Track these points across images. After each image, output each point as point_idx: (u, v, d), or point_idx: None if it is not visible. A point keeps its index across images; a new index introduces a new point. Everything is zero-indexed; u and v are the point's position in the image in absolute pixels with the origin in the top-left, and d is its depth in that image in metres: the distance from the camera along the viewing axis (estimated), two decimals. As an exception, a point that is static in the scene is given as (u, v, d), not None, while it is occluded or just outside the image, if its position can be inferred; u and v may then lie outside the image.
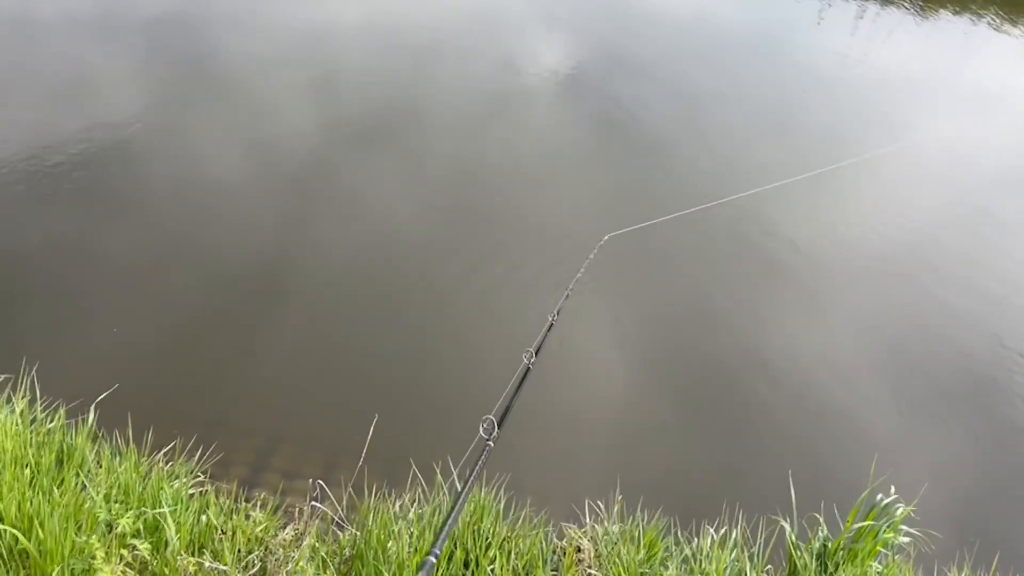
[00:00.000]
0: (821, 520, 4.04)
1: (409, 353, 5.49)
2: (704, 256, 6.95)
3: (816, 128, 10.03)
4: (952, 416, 5.84)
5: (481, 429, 2.61)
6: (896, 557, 3.91)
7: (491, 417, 2.63)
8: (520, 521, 3.82)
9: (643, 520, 4.03)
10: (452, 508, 2.36)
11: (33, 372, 4.02)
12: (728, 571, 3.76)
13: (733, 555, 3.86)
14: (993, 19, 16.02)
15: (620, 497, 4.16)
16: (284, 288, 5.85)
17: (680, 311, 6.32)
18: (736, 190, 7.33)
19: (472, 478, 2.49)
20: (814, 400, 5.70)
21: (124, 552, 3.16)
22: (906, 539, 3.86)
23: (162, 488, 3.50)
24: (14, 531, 2.99)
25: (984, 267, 7.61)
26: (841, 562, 3.81)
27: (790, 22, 14.24)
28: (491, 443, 2.56)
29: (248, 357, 5.24)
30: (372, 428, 4.04)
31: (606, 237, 4.99)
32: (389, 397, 5.02)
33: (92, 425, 3.86)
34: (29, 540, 2.99)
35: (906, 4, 15.99)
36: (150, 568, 3.18)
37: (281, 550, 3.51)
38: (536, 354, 3.18)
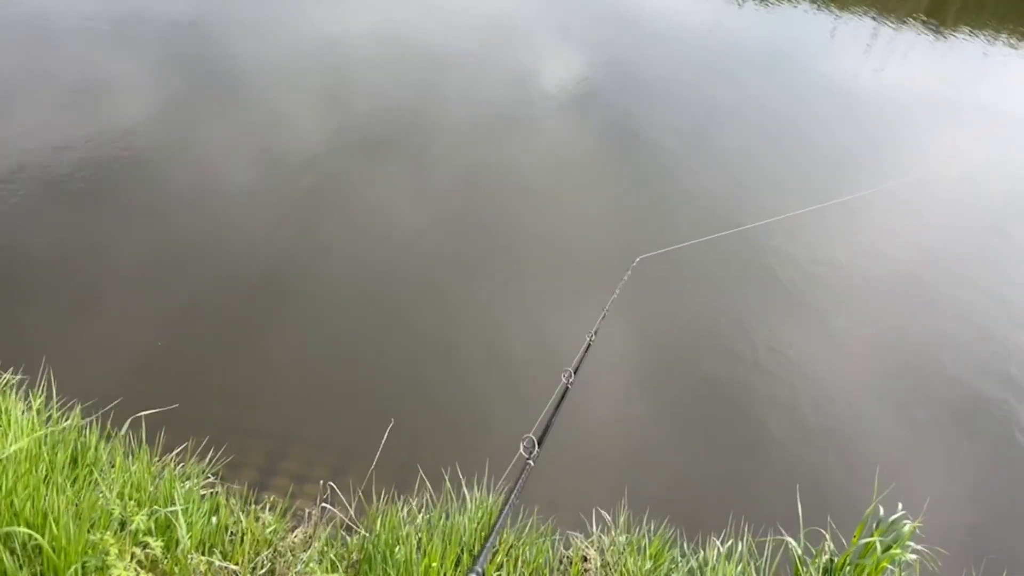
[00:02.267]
0: (827, 536, 4.05)
1: (422, 361, 5.53)
2: (718, 279, 6.96)
3: (831, 151, 10.04)
4: (959, 435, 5.83)
5: (521, 448, 2.58)
6: (903, 574, 3.90)
7: (531, 436, 2.61)
8: (527, 529, 3.84)
9: (649, 531, 4.05)
10: (493, 525, 2.32)
11: (49, 371, 4.08)
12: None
13: (739, 568, 3.87)
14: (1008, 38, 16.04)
15: (627, 508, 4.18)
16: (298, 294, 5.91)
17: (690, 328, 6.34)
18: (756, 212, 7.40)
19: (513, 497, 2.47)
20: (823, 418, 5.70)
21: (136, 550, 3.20)
22: (912, 556, 3.86)
23: (174, 488, 3.53)
24: (27, 530, 3.03)
25: (994, 291, 7.60)
26: (848, 577, 3.81)
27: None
28: (531, 462, 2.54)
29: (261, 361, 5.29)
30: (387, 432, 4.09)
31: (638, 259, 4.95)
32: (400, 403, 5.06)
33: (107, 425, 3.91)
34: (43, 537, 3.03)
35: (921, 21, 16.01)
36: (161, 566, 3.21)
37: (290, 552, 3.54)
38: (575, 373, 3.15)
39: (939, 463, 5.59)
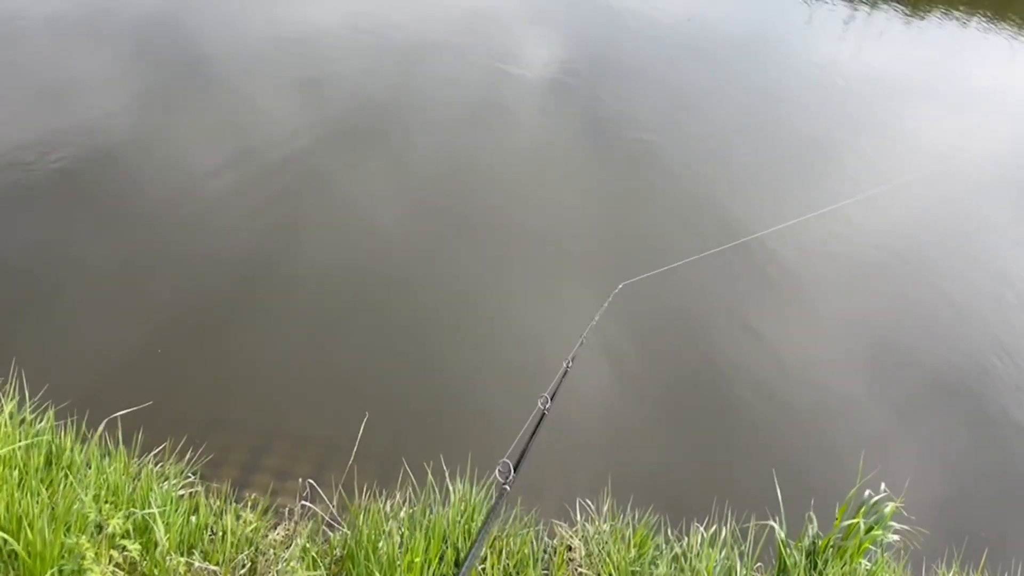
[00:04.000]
0: (812, 517, 4.06)
1: (404, 354, 5.50)
2: (704, 271, 6.95)
3: (817, 138, 10.06)
4: (940, 414, 5.89)
5: (497, 472, 2.57)
6: (885, 554, 3.93)
7: (507, 461, 2.59)
8: (511, 520, 3.83)
9: (634, 519, 4.05)
10: (471, 546, 2.31)
11: (21, 373, 4.01)
12: (718, 569, 3.78)
13: (723, 553, 3.88)
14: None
15: (610, 495, 4.17)
16: (275, 290, 5.85)
17: (674, 317, 6.34)
18: (748, 209, 7.42)
19: (490, 521, 2.47)
20: (803, 400, 5.73)
21: (114, 553, 3.15)
22: (895, 536, 3.89)
23: (152, 489, 3.49)
24: (2, 534, 2.98)
25: (969, 274, 7.67)
26: (830, 559, 3.82)
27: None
28: (507, 487, 2.53)
29: (240, 358, 5.24)
30: (363, 425, 4.06)
31: (620, 285, 4.86)
32: (380, 399, 5.03)
33: (82, 427, 3.85)
34: (18, 542, 2.99)
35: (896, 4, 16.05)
36: (139, 568, 3.17)
37: (272, 550, 3.51)
38: (551, 399, 3.11)
39: (920, 443, 5.64)
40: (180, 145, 7.32)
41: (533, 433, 2.89)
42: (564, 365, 3.42)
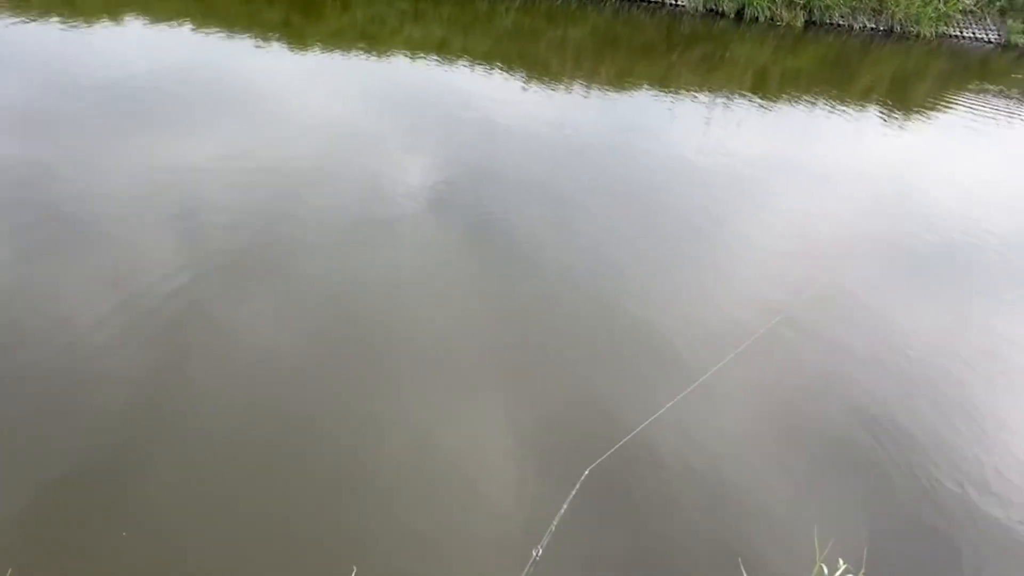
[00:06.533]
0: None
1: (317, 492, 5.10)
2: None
3: (692, 220, 10.43)
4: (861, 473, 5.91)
5: None
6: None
7: None
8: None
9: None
10: None
11: None
12: None
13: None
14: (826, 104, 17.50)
15: None
16: (166, 440, 5.37)
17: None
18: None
19: None
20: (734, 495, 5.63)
21: None
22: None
23: None
24: None
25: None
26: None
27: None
28: None
29: (122, 515, 4.71)
30: None
31: (587, 472, 4.40)
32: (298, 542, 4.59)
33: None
34: None
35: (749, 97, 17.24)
36: None
37: None
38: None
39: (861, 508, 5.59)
40: (54, 295, 6.80)
41: None
42: (533, 554, 3.02)
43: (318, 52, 15.73)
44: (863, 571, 3.80)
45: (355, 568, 4.15)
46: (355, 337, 6.81)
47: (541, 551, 2.91)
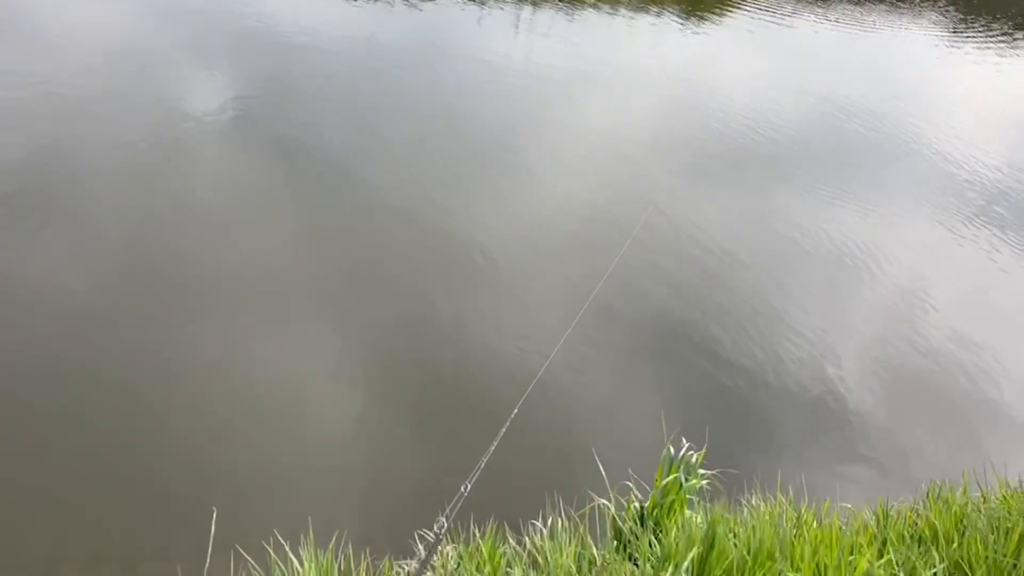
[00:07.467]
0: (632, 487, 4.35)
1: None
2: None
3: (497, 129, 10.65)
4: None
5: None
6: (702, 501, 4.32)
7: None
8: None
9: (476, 535, 4.02)
10: None
11: None
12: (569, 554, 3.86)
13: (571, 540, 3.98)
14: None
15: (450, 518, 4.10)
16: None
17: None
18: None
19: None
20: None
21: None
22: (705, 482, 4.28)
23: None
24: None
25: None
26: (660, 518, 4.11)
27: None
28: None
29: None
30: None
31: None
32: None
33: None
34: None
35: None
36: None
37: None
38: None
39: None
40: None
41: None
42: (461, 489, 3.08)
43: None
44: (704, 447, 4.31)
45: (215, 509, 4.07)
46: (165, 274, 6.42)
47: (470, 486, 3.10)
